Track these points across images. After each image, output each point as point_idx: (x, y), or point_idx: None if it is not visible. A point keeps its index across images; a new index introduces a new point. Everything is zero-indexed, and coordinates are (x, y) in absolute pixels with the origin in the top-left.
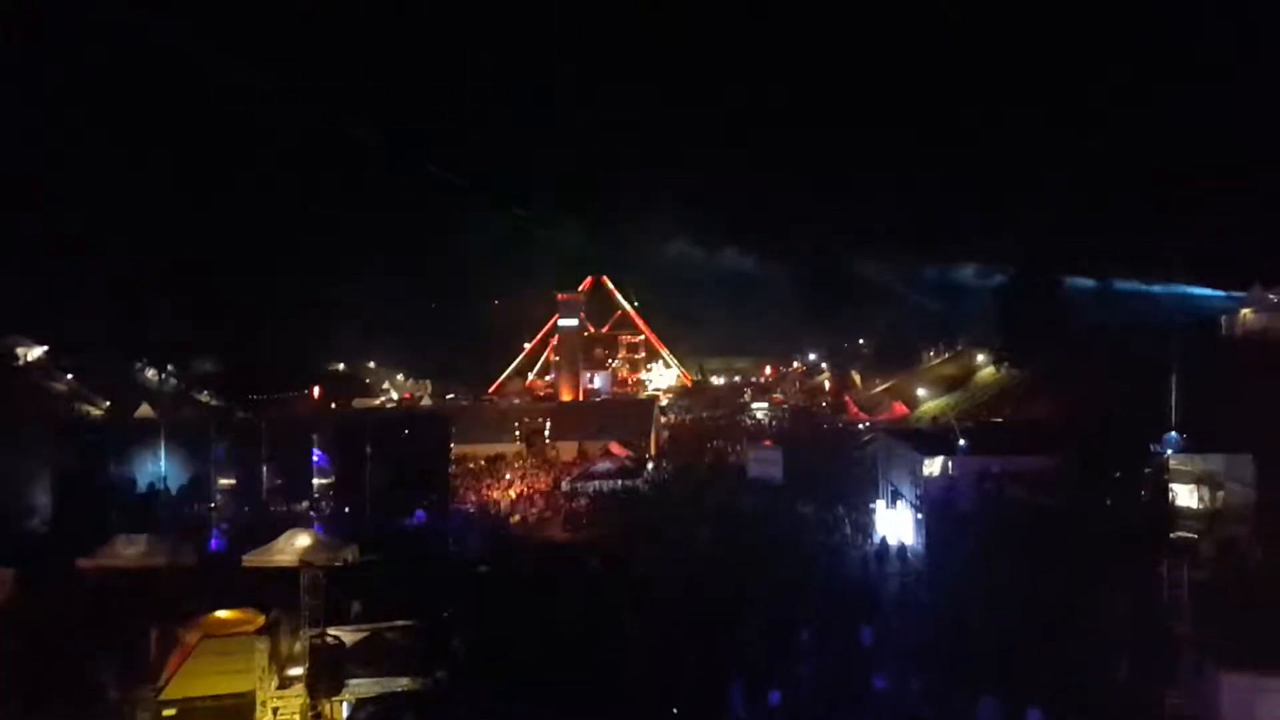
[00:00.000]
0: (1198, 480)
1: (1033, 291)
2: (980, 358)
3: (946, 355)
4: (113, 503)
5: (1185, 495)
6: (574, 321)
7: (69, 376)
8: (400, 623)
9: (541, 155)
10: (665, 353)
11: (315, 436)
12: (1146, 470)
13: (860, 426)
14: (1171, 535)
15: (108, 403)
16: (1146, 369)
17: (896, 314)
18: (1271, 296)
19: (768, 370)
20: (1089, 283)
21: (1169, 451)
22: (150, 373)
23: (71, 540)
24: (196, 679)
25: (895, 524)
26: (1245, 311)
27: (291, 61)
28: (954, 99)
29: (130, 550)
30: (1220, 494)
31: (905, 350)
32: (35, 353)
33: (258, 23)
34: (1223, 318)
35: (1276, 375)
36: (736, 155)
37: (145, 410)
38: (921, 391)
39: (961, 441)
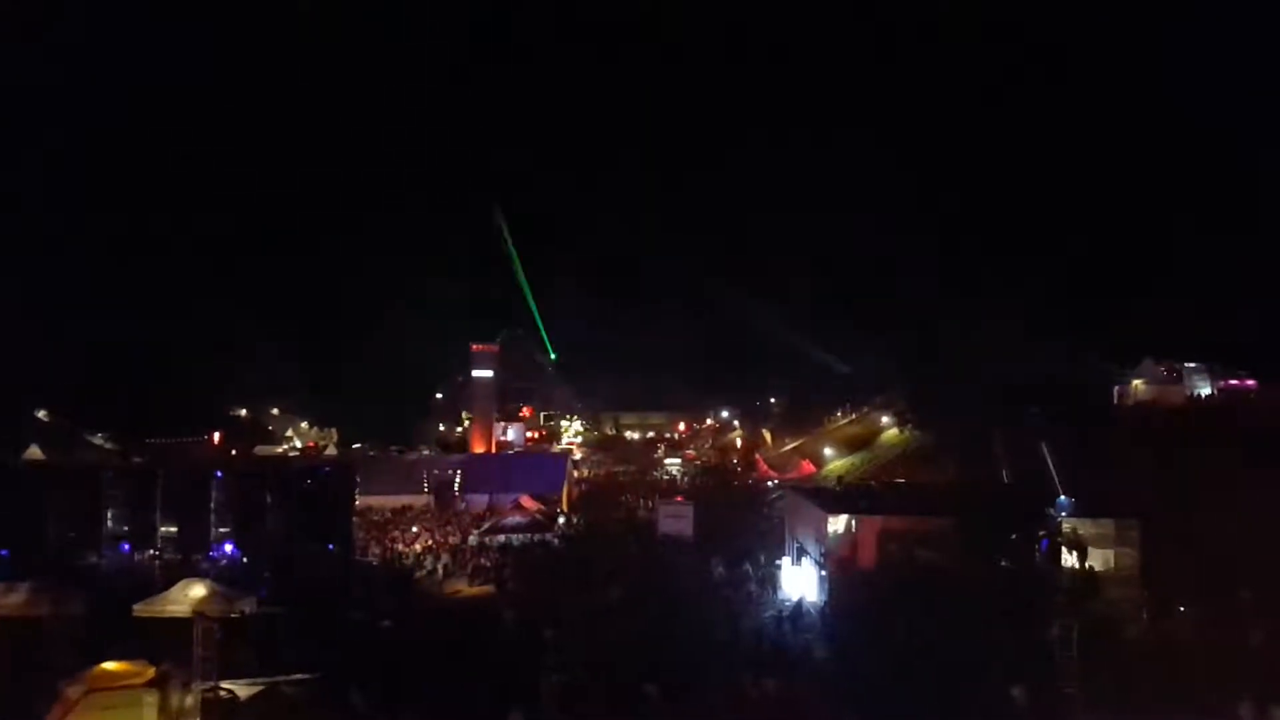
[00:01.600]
0: (1088, 544)
1: (935, 357)
2: (885, 419)
3: (853, 416)
4: None
5: (1076, 558)
6: (488, 373)
7: None
8: (298, 676)
9: (457, 206)
10: (579, 407)
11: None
12: (1040, 533)
13: (769, 484)
14: (1062, 597)
15: None
16: (1041, 435)
17: (805, 375)
18: (1161, 370)
19: (681, 427)
20: (990, 348)
21: (1062, 515)
22: (41, 413)
23: None
24: None
25: (800, 580)
26: (1137, 383)
27: (205, 105)
28: (867, 163)
29: (11, 599)
30: (1110, 557)
31: (813, 410)
32: None
33: (182, 71)
34: (1115, 388)
35: (1163, 444)
36: (651, 211)
37: (34, 452)
38: (828, 451)
39: (864, 501)
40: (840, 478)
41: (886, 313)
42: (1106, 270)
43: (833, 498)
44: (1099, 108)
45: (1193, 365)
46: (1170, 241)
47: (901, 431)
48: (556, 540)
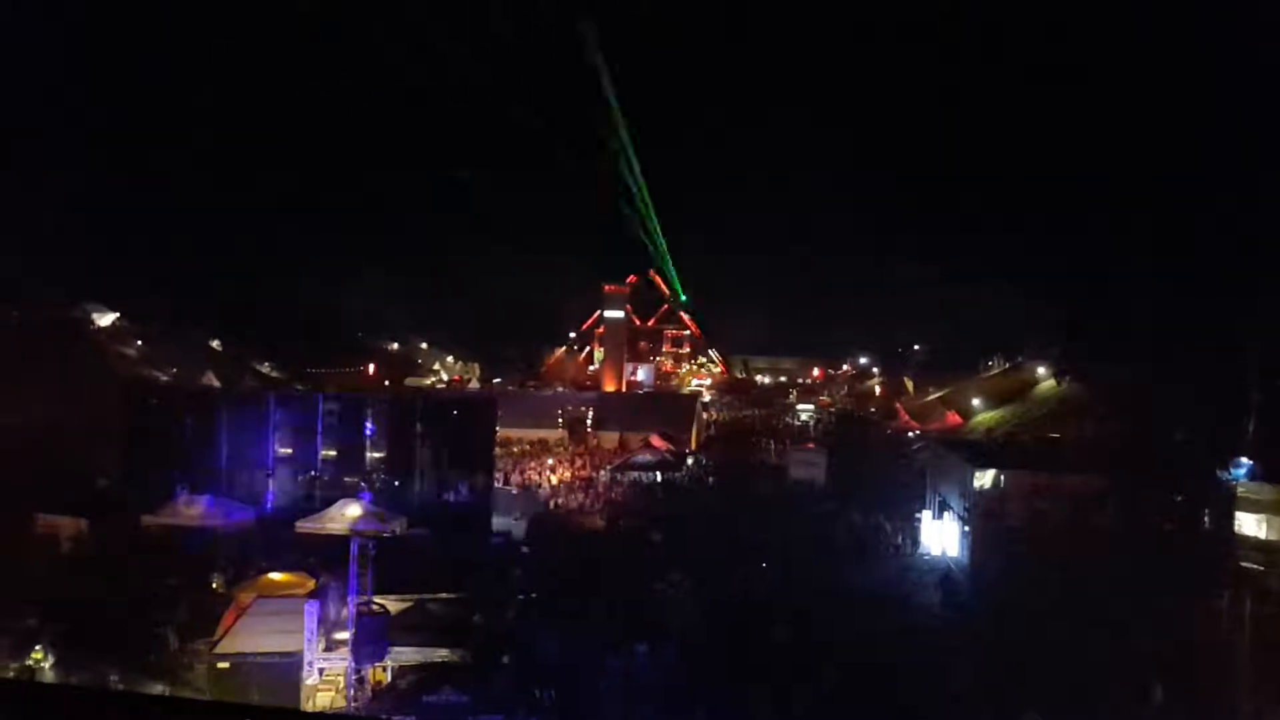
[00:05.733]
0: (1268, 510)
1: (1103, 305)
2: (1041, 370)
3: (1006, 366)
4: (177, 464)
5: (1252, 525)
6: (619, 314)
7: (139, 343)
8: (443, 595)
9: (596, 149)
10: (713, 352)
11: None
12: (1211, 496)
13: (910, 434)
14: (1234, 566)
15: (174, 369)
16: (1220, 392)
17: (956, 321)
18: None
19: (815, 372)
20: (1164, 299)
21: (1238, 478)
22: (215, 342)
23: (137, 497)
24: (249, 636)
25: (940, 535)
26: None
27: (351, 45)
28: (1022, 108)
29: (191, 510)
30: None
31: (962, 359)
32: (107, 319)
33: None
34: None
35: None
36: (788, 150)
37: (209, 378)
38: (977, 402)
39: (1015, 455)
40: (989, 430)
41: (1047, 257)
42: None
43: (980, 451)
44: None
45: None
46: None
47: (1058, 384)
48: (685, 479)
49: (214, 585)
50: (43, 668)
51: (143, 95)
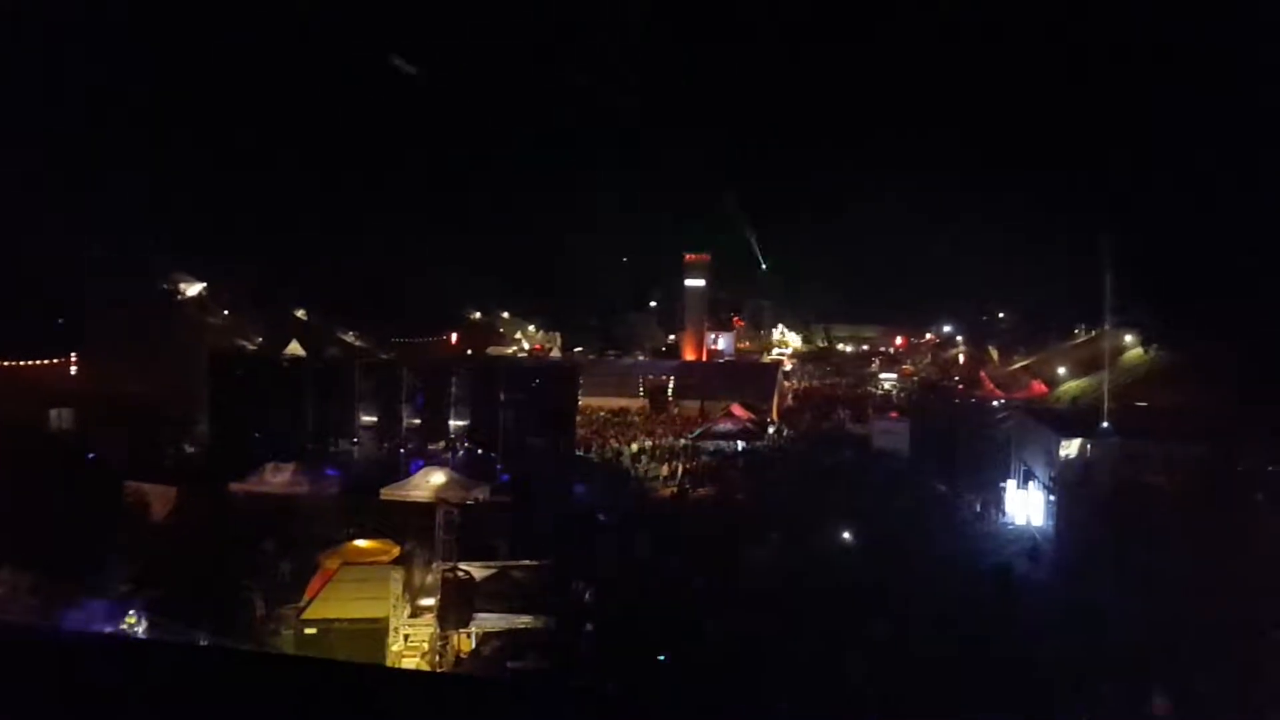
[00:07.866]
0: None
1: (1194, 270)
2: (1129, 338)
3: (1093, 333)
4: (263, 432)
5: None
6: (700, 282)
7: (225, 313)
8: (526, 562)
9: (676, 117)
10: (789, 317)
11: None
12: None
13: (995, 403)
14: None
15: (260, 338)
16: None
17: (1042, 288)
18: None
19: (898, 340)
20: (1257, 266)
21: None
22: (300, 312)
23: (225, 465)
24: (336, 602)
25: (1025, 505)
26: None
27: (436, 24)
28: (1112, 62)
29: (278, 478)
30: None
31: (1048, 326)
32: (195, 289)
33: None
34: None
35: None
36: (868, 117)
37: (295, 347)
38: (1062, 370)
39: (1103, 423)
40: (1075, 399)
41: (1135, 221)
42: None
43: (1066, 419)
44: None
45: None
46: None
47: (1147, 351)
48: (766, 449)
49: (301, 552)
50: (135, 633)
51: (225, 68)
